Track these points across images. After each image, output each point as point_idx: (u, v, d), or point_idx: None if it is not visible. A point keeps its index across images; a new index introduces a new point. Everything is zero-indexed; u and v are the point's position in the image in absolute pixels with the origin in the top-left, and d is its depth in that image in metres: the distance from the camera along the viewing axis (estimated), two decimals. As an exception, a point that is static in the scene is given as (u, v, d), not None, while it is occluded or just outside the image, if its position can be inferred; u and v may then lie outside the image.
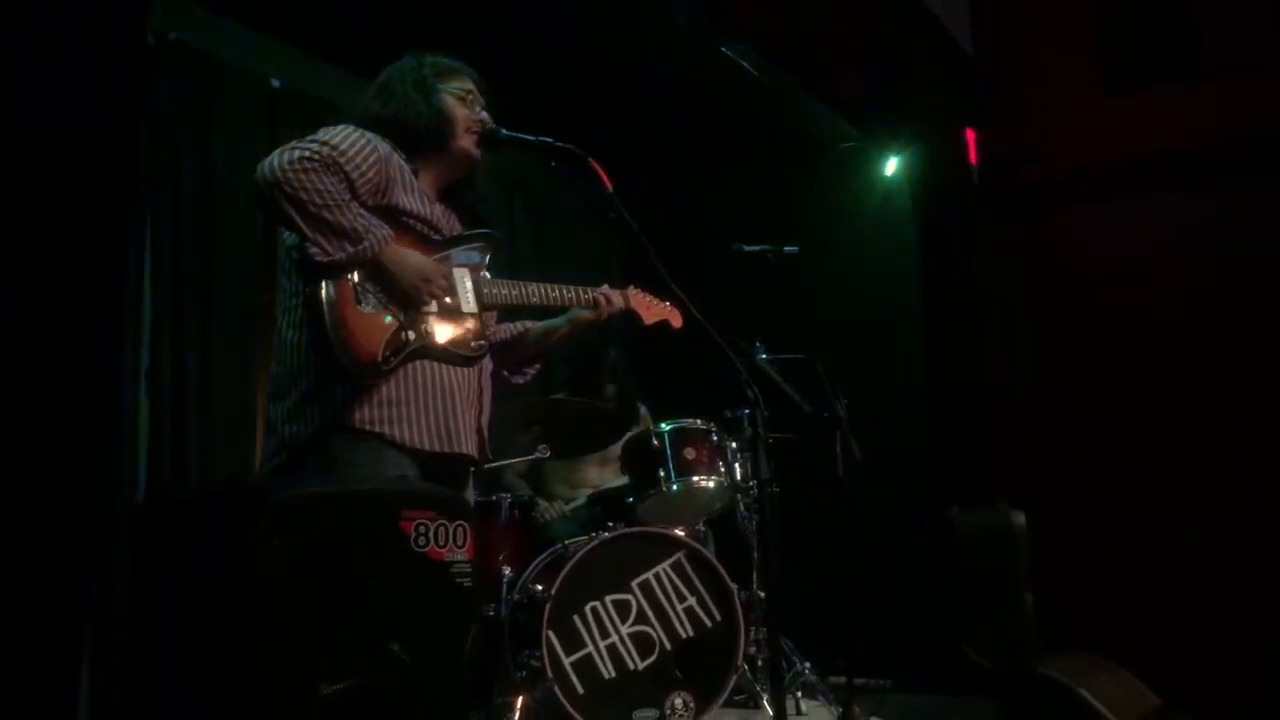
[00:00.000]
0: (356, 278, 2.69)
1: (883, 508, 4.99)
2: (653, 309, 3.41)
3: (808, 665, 4.22)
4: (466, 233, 3.02)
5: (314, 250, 2.61)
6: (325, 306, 2.64)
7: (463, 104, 2.98)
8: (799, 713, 4.07)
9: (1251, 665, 5.11)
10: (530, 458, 4.22)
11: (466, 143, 2.97)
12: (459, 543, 2.30)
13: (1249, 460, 5.44)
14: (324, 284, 2.65)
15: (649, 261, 2.70)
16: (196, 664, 2.12)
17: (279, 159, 2.60)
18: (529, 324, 3.25)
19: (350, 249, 2.64)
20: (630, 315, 3.33)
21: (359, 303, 2.69)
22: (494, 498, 4.07)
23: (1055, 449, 5.92)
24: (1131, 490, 5.65)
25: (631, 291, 3.34)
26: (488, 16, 4.40)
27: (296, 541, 2.06)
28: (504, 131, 3.00)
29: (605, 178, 2.75)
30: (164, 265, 4.11)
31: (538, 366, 3.34)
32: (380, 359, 2.68)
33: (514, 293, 3.05)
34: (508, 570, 3.78)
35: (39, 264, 2.35)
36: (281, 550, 2.04)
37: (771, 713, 3.22)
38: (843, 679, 4.14)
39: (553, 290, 3.13)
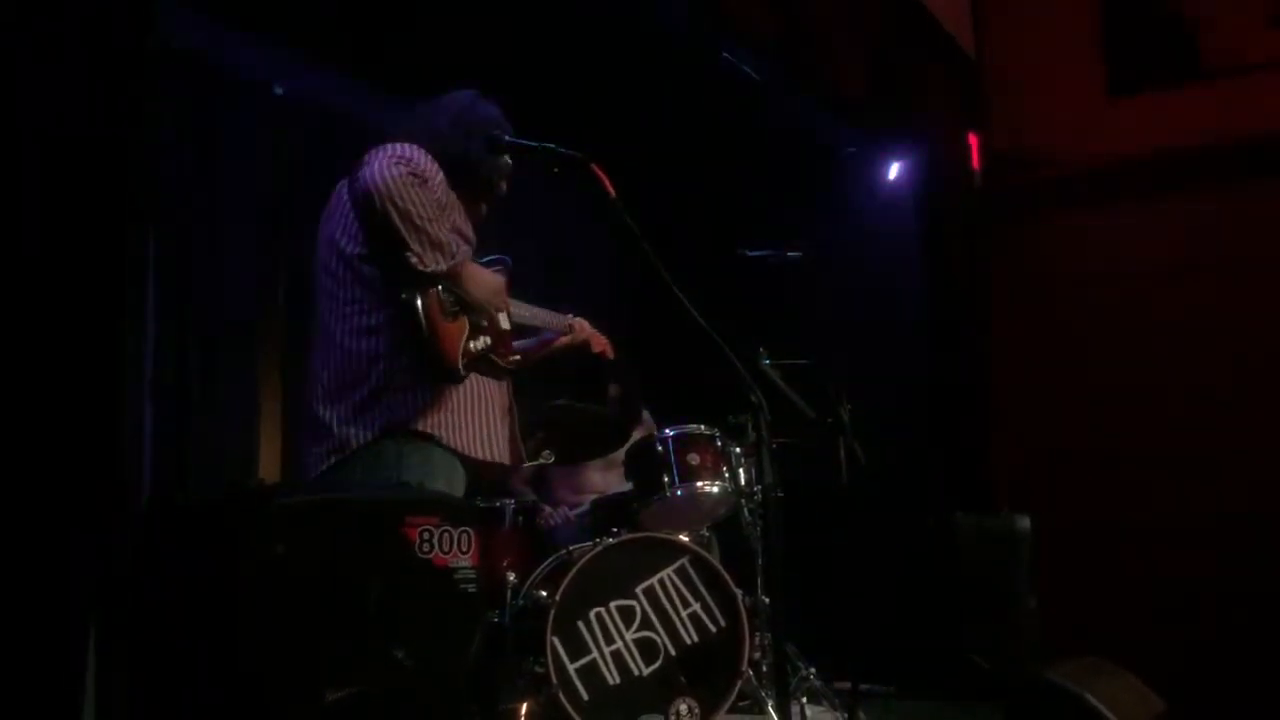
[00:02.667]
0: (441, 288, 2.85)
1: (887, 512, 4.99)
2: (596, 339, 3.63)
3: (812, 671, 4.20)
4: (490, 258, 3.21)
5: (414, 260, 2.76)
6: (421, 315, 2.78)
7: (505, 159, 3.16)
8: (804, 718, 4.05)
9: (1256, 670, 5.10)
10: (535, 463, 4.21)
11: (498, 194, 3.21)
12: (463, 549, 2.31)
13: (1252, 463, 5.43)
14: (417, 293, 2.79)
15: (652, 267, 2.70)
16: (200, 670, 2.12)
17: (388, 171, 2.76)
18: (521, 343, 3.40)
19: (446, 261, 2.82)
20: (583, 346, 3.57)
21: (444, 311, 2.85)
22: (498, 503, 4.05)
23: (1059, 452, 5.91)
24: (1136, 494, 5.65)
25: (578, 320, 3.57)
26: (488, 21, 4.40)
27: (300, 547, 2.06)
28: (507, 137, 3.07)
29: (608, 183, 2.77)
30: (169, 272, 4.11)
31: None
32: (460, 366, 2.85)
33: (525, 314, 3.29)
34: (512, 576, 3.76)
35: (39, 269, 2.35)
36: (285, 556, 2.04)
37: (776, 719, 3.22)
38: (847, 684, 4.13)
39: (540, 312, 3.40)
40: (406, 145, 2.91)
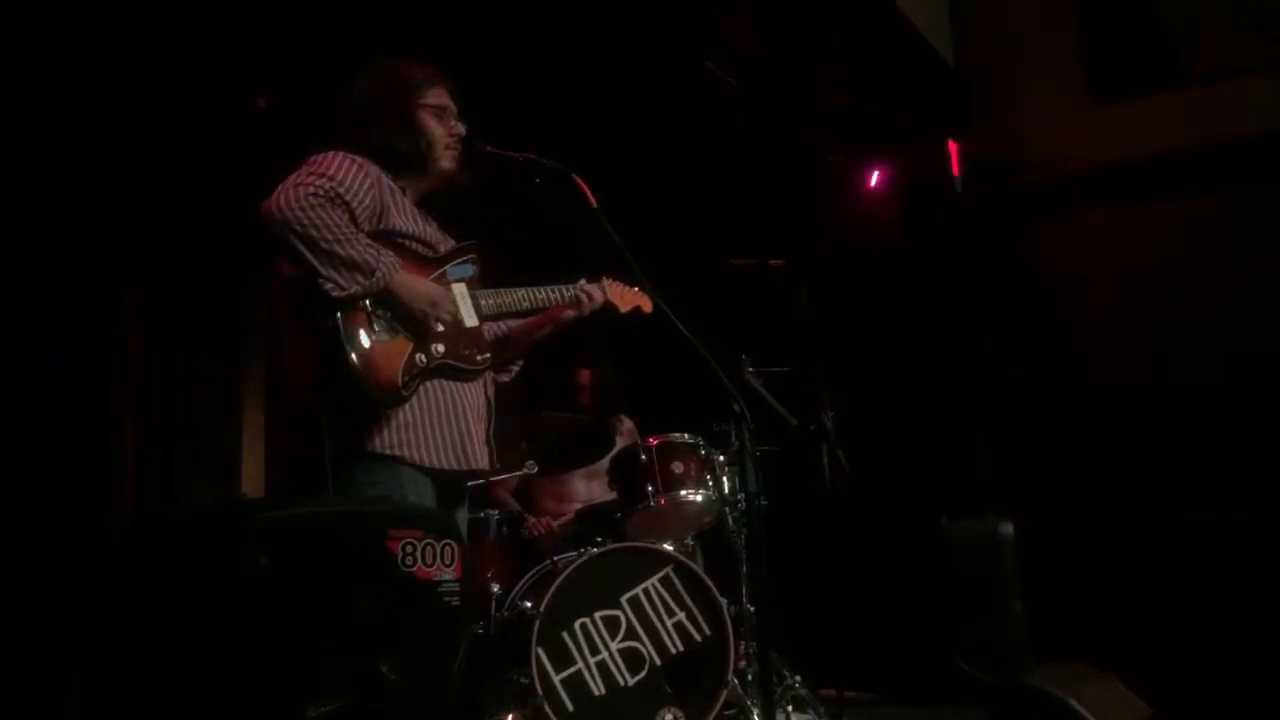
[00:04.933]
0: (369, 306, 2.70)
1: (871, 519, 5.00)
2: (626, 297, 3.44)
3: (798, 679, 4.21)
4: (457, 246, 3.03)
5: (329, 285, 2.61)
6: (344, 338, 2.65)
7: (440, 121, 2.98)
8: (790, 726, 4.05)
9: (1242, 675, 5.12)
10: (518, 473, 4.21)
11: (446, 161, 2.99)
12: (447, 561, 2.30)
13: (1240, 468, 5.45)
14: (339, 316, 2.66)
15: (634, 276, 2.71)
16: (183, 684, 2.11)
17: (284, 197, 2.60)
18: (511, 323, 3.26)
19: (364, 281, 2.65)
20: (608, 307, 3.35)
21: (375, 332, 2.70)
22: (482, 514, 4.06)
23: (1044, 458, 5.93)
24: (1122, 500, 5.67)
25: (606, 283, 3.36)
26: (472, 31, 4.40)
27: (283, 561, 2.05)
28: (489, 149, 3.01)
29: (590, 194, 2.76)
30: (152, 287, 4.10)
31: (520, 363, 3.34)
32: (401, 384, 2.71)
33: (505, 300, 3.07)
34: (496, 587, 3.77)
35: (21, 281, 2.35)
36: (268, 570, 2.03)
37: (762, 727, 3.22)
38: (833, 691, 4.13)
39: (539, 293, 3.16)
40: (327, 156, 2.75)
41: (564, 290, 3.22)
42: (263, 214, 2.62)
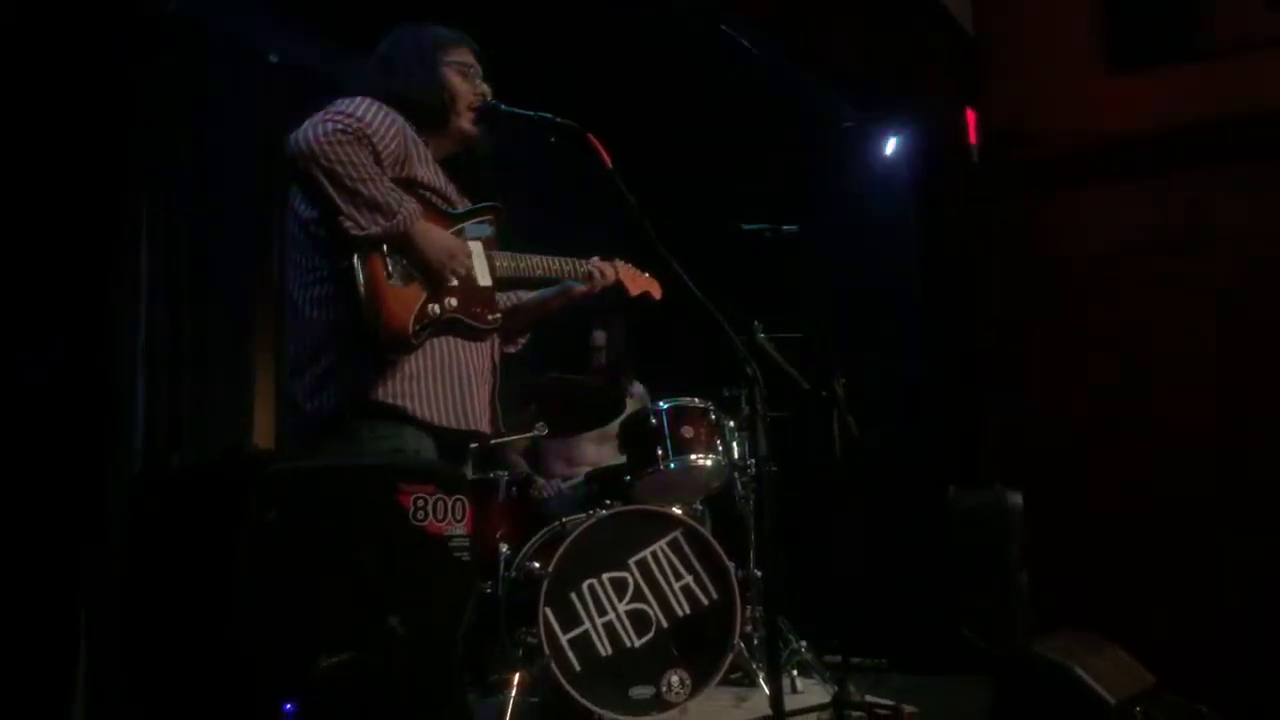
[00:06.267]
0: (386, 251, 2.69)
1: (880, 487, 4.99)
2: (636, 280, 3.45)
3: (804, 644, 4.22)
4: (476, 206, 3.02)
5: (348, 224, 2.60)
6: (360, 281, 2.64)
7: (464, 78, 2.98)
8: (795, 691, 4.06)
9: (1245, 645, 5.13)
10: (528, 435, 4.21)
11: (466, 120, 2.98)
12: (457, 517, 2.30)
13: (1250, 440, 5.44)
14: (355, 258, 2.65)
15: (647, 238, 2.69)
16: (192, 636, 2.12)
17: (312, 131, 2.59)
18: (522, 294, 3.25)
19: (384, 223, 2.64)
20: (618, 286, 3.36)
21: (389, 277, 2.69)
22: (492, 475, 4.06)
23: (1053, 428, 5.93)
24: (1130, 469, 5.66)
25: (619, 263, 3.36)
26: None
27: (293, 514, 2.06)
28: (503, 106, 3.00)
29: (604, 154, 2.74)
30: (160, 239, 4.09)
31: (528, 336, 3.34)
32: (411, 332, 2.69)
33: (520, 265, 3.06)
34: (505, 548, 3.77)
35: (32, 238, 2.34)
36: (278, 523, 2.04)
37: (768, 691, 3.22)
38: (839, 658, 4.15)
39: (552, 263, 3.15)
40: (354, 99, 2.73)
41: (578, 264, 3.21)
42: (288, 146, 2.61)
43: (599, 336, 4.83)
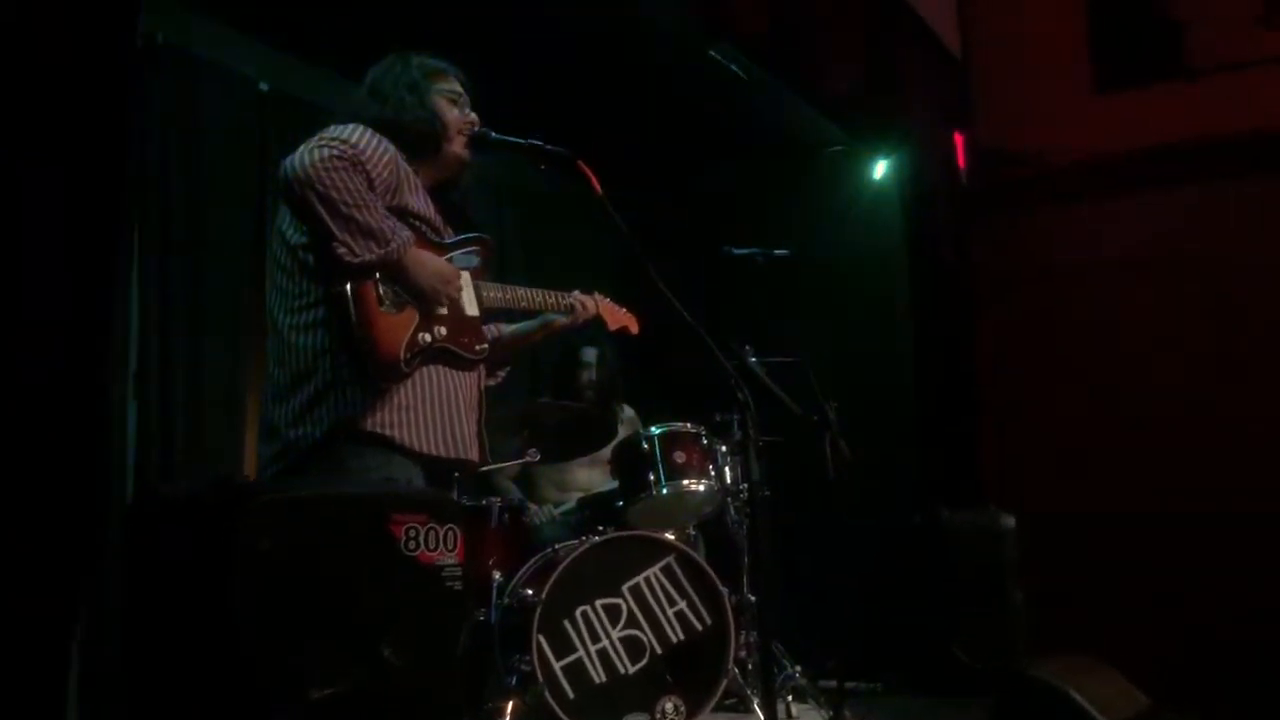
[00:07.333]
0: (379, 278, 2.69)
1: (872, 510, 4.99)
2: (615, 315, 3.49)
3: (798, 669, 4.21)
4: (464, 236, 3.03)
5: (342, 250, 2.60)
6: (352, 307, 2.64)
7: (453, 106, 3.00)
8: (790, 716, 4.05)
9: (1241, 666, 5.12)
10: (520, 461, 4.21)
11: (458, 146, 3.00)
12: (449, 546, 2.29)
13: (1238, 459, 5.45)
14: (348, 285, 2.65)
15: (639, 263, 2.70)
16: (185, 666, 2.10)
17: (308, 155, 2.59)
18: (503, 326, 3.28)
19: (378, 250, 2.64)
20: (598, 320, 3.40)
21: (382, 303, 2.69)
22: (484, 502, 4.05)
23: (1045, 449, 5.93)
24: (1123, 488, 5.67)
25: (598, 297, 3.40)
26: (475, 19, 4.38)
27: (285, 544, 2.05)
28: (494, 134, 3.02)
29: (594, 180, 2.76)
30: (151, 267, 4.09)
31: (507, 369, 3.36)
32: (402, 360, 2.70)
33: (506, 296, 3.08)
34: (498, 574, 3.76)
35: (23, 261, 2.34)
36: (270, 552, 2.03)
37: (762, 716, 3.22)
38: (833, 682, 4.14)
39: (536, 295, 3.18)
40: (348, 125, 2.74)
41: (561, 296, 3.26)
42: (282, 171, 2.62)
43: (589, 353, 4.83)
